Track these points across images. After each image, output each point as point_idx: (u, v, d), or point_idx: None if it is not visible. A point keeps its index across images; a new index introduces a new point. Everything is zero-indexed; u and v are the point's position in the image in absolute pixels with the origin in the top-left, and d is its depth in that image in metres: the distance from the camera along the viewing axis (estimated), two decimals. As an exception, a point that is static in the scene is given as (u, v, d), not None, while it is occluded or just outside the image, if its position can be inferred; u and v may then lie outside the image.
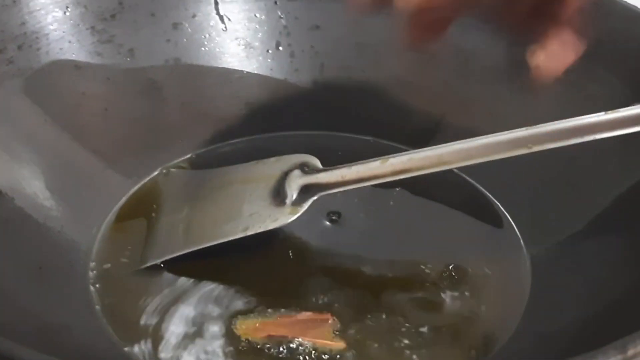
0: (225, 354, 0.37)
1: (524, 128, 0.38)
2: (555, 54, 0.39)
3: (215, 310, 0.39)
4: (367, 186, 0.40)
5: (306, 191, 0.41)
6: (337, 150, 0.48)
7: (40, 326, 0.35)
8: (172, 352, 0.37)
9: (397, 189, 0.45)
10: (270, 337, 0.37)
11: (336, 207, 0.44)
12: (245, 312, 0.38)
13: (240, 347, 0.37)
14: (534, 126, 0.37)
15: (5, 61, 0.43)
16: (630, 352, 0.25)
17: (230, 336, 0.37)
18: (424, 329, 0.38)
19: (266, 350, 0.37)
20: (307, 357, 0.36)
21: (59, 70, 0.45)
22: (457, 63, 0.48)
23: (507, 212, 0.45)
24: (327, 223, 0.44)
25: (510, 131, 0.38)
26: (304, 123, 0.50)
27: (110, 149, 0.46)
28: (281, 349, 0.36)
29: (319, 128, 0.50)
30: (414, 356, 0.37)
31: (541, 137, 0.37)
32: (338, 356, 0.36)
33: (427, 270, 0.41)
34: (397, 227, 0.44)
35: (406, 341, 0.37)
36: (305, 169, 0.42)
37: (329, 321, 0.38)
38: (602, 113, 0.36)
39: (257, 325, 0.38)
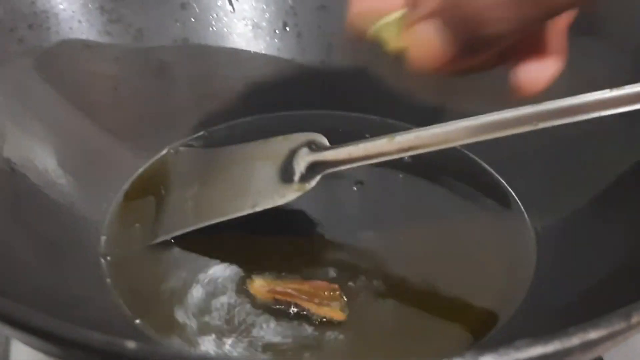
0: (237, 312, 0.38)
1: (529, 105, 0.38)
2: (535, 74, 0.39)
3: (226, 278, 0.40)
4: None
5: (313, 168, 0.41)
6: (344, 129, 0.49)
7: (53, 298, 0.35)
8: (184, 320, 0.37)
9: (400, 174, 0.46)
10: (278, 299, 0.38)
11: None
12: (258, 273, 0.39)
13: (251, 305, 0.38)
14: (540, 103, 0.38)
15: (16, 40, 0.44)
16: (634, 320, 0.25)
17: (242, 294, 0.39)
18: (427, 306, 0.39)
19: (273, 308, 0.38)
20: (308, 323, 0.37)
21: (69, 49, 0.46)
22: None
23: (512, 189, 0.45)
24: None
25: (516, 108, 0.38)
26: (312, 102, 0.50)
27: (120, 127, 0.46)
28: (289, 310, 0.38)
29: (327, 107, 0.50)
30: (416, 334, 0.37)
31: (547, 114, 0.37)
32: (338, 329, 0.37)
33: (433, 247, 0.42)
34: (403, 205, 0.45)
35: (407, 319, 0.38)
36: (313, 146, 0.42)
37: (337, 292, 0.39)
38: (607, 90, 0.37)
39: (268, 285, 0.39)
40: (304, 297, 0.38)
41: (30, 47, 0.44)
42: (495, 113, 0.38)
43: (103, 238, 0.42)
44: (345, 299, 0.38)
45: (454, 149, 0.40)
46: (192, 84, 0.49)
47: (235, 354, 0.35)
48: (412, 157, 0.39)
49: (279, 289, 0.39)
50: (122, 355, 0.24)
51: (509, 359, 0.24)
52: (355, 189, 0.46)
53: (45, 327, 0.25)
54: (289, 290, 0.38)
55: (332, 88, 0.51)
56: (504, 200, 0.45)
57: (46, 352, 0.28)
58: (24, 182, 0.40)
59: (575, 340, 0.25)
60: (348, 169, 0.40)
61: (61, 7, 0.46)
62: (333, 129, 0.45)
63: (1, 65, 0.43)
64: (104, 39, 0.47)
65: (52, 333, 0.25)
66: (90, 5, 0.47)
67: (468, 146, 0.45)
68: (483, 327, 0.38)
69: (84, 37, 0.47)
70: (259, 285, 0.39)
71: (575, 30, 0.45)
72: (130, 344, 0.24)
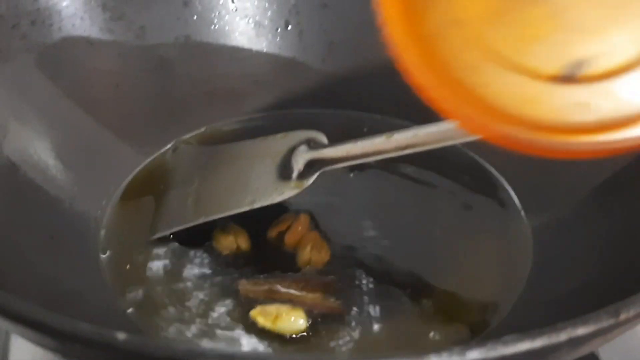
0: (234, 317, 0.38)
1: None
2: None
3: (221, 277, 0.40)
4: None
5: (312, 166, 0.42)
6: (344, 127, 0.49)
7: (52, 292, 0.36)
8: (178, 317, 0.38)
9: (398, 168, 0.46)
10: (270, 298, 0.38)
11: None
12: (250, 275, 0.40)
13: (245, 306, 0.38)
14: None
15: (19, 36, 0.44)
16: (622, 317, 0.26)
17: (235, 297, 0.39)
18: (425, 301, 0.39)
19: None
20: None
21: (71, 46, 0.46)
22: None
23: (509, 186, 0.45)
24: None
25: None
26: (312, 101, 0.51)
27: (121, 123, 0.47)
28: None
29: (327, 106, 0.51)
30: (412, 328, 0.38)
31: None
32: (333, 321, 0.38)
33: (427, 242, 0.42)
34: (399, 201, 0.45)
35: (403, 313, 0.38)
36: (312, 144, 0.42)
37: (331, 285, 0.39)
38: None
39: (259, 286, 0.39)
40: (298, 293, 0.38)
41: (32, 43, 0.45)
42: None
43: (102, 233, 0.42)
44: (340, 293, 0.39)
45: (451, 145, 0.40)
46: (193, 81, 0.49)
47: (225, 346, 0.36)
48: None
49: (272, 288, 0.39)
50: (113, 345, 0.24)
51: (496, 354, 0.24)
52: (351, 175, 0.46)
53: (37, 318, 0.26)
54: (283, 291, 0.39)
55: (333, 87, 0.51)
56: (500, 197, 0.45)
57: (40, 344, 0.28)
58: (24, 177, 0.41)
59: (563, 336, 0.25)
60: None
61: (64, 4, 0.46)
62: (333, 127, 0.44)
63: (4, 61, 0.43)
64: (106, 36, 0.48)
65: (43, 324, 0.25)
66: (92, 3, 0.47)
67: (465, 143, 0.45)
68: (480, 324, 0.38)
69: (86, 34, 0.47)
70: (251, 286, 0.39)
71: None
72: (121, 335, 0.24)
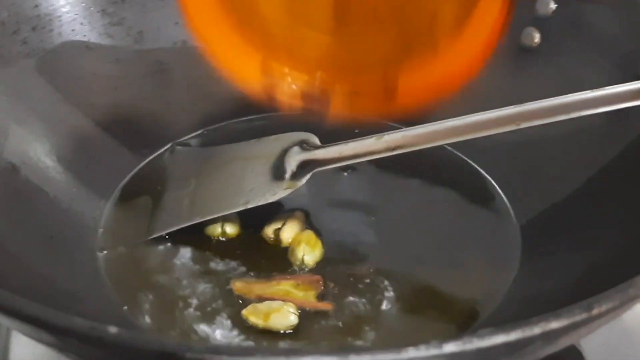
0: (227, 314, 0.39)
1: (512, 106, 0.39)
2: None
3: (215, 276, 0.41)
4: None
5: (304, 167, 0.43)
6: (336, 129, 0.50)
7: (51, 290, 0.37)
8: (171, 315, 0.39)
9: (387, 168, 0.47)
10: (261, 297, 0.39)
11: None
12: (242, 276, 0.41)
13: (237, 305, 0.39)
14: (522, 104, 0.39)
15: (19, 42, 0.45)
16: (595, 311, 0.26)
17: (228, 296, 0.40)
18: (412, 298, 0.40)
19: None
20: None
21: (71, 51, 0.47)
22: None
23: (497, 184, 0.46)
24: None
25: (500, 109, 0.39)
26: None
27: (119, 126, 0.48)
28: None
29: (320, 108, 0.51)
30: (400, 325, 0.38)
31: (528, 115, 0.39)
32: (323, 319, 0.38)
33: (417, 241, 0.43)
34: (389, 199, 0.46)
35: (392, 310, 0.39)
36: (304, 145, 0.43)
37: (319, 283, 0.40)
38: (588, 91, 0.38)
39: (251, 285, 0.40)
40: (289, 291, 0.39)
41: (33, 48, 0.46)
42: (479, 113, 0.40)
43: (100, 232, 0.43)
44: (330, 288, 0.40)
45: (439, 146, 0.41)
46: (190, 85, 0.51)
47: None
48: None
49: (263, 287, 0.40)
50: (105, 339, 0.25)
51: (472, 347, 0.25)
52: (345, 174, 0.47)
53: (33, 314, 0.27)
54: (274, 289, 0.40)
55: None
56: (488, 195, 0.46)
57: (38, 340, 0.29)
58: (24, 180, 0.42)
59: (536, 330, 0.26)
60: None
61: (64, 9, 0.48)
62: (326, 129, 0.45)
63: (5, 66, 0.44)
64: (105, 41, 0.49)
65: (40, 319, 0.26)
66: (92, 8, 0.49)
67: (453, 144, 0.46)
68: (467, 320, 0.39)
69: (85, 39, 0.48)
70: (242, 286, 0.40)
71: (564, 34, 0.47)
72: (112, 329, 0.25)
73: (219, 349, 0.25)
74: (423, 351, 0.25)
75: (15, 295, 0.28)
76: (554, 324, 0.26)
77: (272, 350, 0.27)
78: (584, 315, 0.26)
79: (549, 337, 0.26)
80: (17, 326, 0.29)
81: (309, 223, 0.44)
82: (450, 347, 0.25)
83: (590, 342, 0.40)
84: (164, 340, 0.25)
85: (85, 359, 0.30)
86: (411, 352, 0.25)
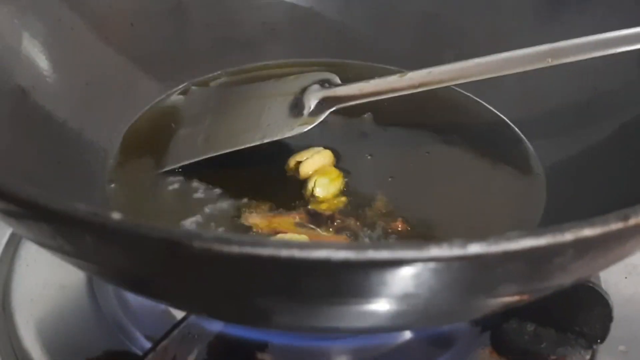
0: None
1: (543, 45, 0.38)
2: None
3: (226, 206, 0.39)
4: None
5: (324, 104, 0.41)
6: (357, 78, 0.48)
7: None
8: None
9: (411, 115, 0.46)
10: (276, 231, 0.38)
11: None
12: (254, 207, 0.39)
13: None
14: (553, 43, 0.38)
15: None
16: (632, 222, 0.25)
17: (239, 228, 0.38)
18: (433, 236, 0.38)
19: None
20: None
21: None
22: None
23: (522, 132, 0.45)
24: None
25: (530, 48, 0.38)
26: (328, 51, 0.50)
27: (134, 61, 0.46)
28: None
29: (343, 56, 0.50)
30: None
31: (560, 51, 0.38)
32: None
33: (442, 187, 0.42)
34: (414, 148, 0.44)
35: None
36: (325, 84, 0.42)
37: (335, 219, 0.39)
38: (620, 30, 0.37)
39: (265, 219, 0.39)
40: (303, 226, 0.38)
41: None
42: (508, 52, 0.39)
43: (110, 163, 0.42)
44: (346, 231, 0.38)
45: (464, 96, 0.39)
46: (207, 26, 0.49)
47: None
48: (422, 102, 0.39)
49: (278, 220, 0.38)
50: (107, 226, 0.24)
51: (497, 249, 0.23)
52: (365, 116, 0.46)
53: (34, 201, 0.25)
54: (288, 222, 0.38)
55: (349, 37, 0.50)
56: (514, 142, 0.44)
57: (40, 240, 0.28)
58: (34, 104, 0.41)
59: (568, 236, 0.24)
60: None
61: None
62: (347, 78, 0.44)
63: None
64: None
65: (40, 205, 0.25)
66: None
67: (474, 91, 0.45)
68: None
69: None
70: (256, 219, 0.39)
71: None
72: (116, 215, 0.24)
73: (229, 239, 0.23)
74: (446, 250, 0.23)
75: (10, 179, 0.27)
76: (587, 231, 0.24)
77: (285, 242, 0.25)
78: (619, 225, 0.24)
79: (580, 247, 0.24)
80: (19, 216, 0.27)
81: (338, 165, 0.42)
82: (475, 248, 0.23)
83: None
84: (170, 228, 0.24)
85: (92, 262, 0.28)
86: (433, 250, 0.23)
